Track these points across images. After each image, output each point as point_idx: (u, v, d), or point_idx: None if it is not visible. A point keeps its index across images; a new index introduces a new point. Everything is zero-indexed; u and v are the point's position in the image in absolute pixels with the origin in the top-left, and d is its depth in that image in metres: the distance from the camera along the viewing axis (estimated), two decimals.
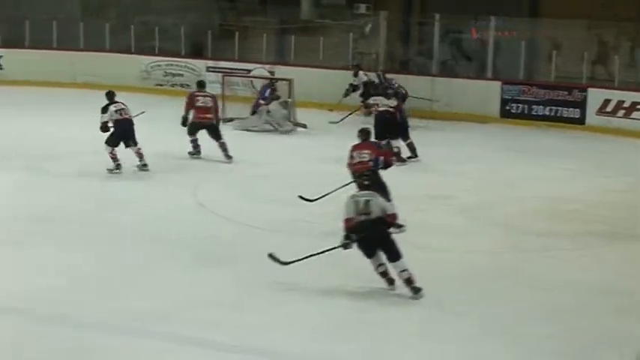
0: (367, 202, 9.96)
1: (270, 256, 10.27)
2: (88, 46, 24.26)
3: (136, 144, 15.09)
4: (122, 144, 15.09)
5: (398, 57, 23.37)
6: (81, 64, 23.36)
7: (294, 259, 10.21)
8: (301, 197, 12.69)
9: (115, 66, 23.31)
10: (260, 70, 22.19)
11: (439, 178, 15.67)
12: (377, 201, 10.02)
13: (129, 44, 24.12)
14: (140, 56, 23.86)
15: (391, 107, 16.49)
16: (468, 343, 8.92)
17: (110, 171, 14.93)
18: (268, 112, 19.06)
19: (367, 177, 10.87)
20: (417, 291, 9.87)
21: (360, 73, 21.04)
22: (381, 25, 22.41)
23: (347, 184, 12.11)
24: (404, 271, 9.84)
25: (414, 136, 16.90)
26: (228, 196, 14.14)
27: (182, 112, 16.38)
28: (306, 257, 10.22)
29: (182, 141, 16.73)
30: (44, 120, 19.22)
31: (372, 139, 13.70)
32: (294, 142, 18.42)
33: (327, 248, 10.17)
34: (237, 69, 22.27)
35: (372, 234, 9.88)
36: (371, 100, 17.51)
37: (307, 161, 16.62)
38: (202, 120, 16.22)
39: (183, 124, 16.29)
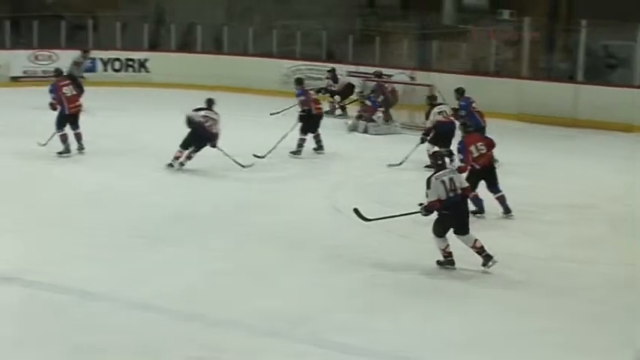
0: (452, 179, 10.66)
1: (355, 211, 11.27)
2: (231, 49, 24.67)
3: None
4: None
5: (541, 63, 22.87)
6: (224, 68, 23.72)
7: (376, 218, 11.20)
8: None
9: (257, 70, 23.63)
10: (401, 75, 22.09)
11: (579, 187, 15.30)
12: (458, 177, 10.82)
13: (271, 48, 24.40)
14: (281, 60, 24.09)
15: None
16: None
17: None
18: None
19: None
20: (489, 259, 10.53)
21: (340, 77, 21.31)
22: (525, 30, 21.98)
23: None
24: (477, 240, 10.60)
25: (554, 145, 16.54)
26: (363, 201, 14.03)
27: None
28: (387, 217, 11.18)
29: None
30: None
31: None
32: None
33: (409, 212, 10.89)
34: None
35: (463, 208, 10.75)
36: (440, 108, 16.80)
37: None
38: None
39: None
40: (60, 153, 15.80)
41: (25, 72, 23.98)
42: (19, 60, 23.95)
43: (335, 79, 21.38)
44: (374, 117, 19.26)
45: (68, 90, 16.13)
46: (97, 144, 16.73)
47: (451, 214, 10.65)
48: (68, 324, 9.16)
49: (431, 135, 15.92)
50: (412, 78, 21.76)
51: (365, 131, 19.20)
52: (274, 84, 23.57)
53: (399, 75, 22.11)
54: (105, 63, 24.65)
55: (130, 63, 24.62)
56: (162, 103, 21.50)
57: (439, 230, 10.72)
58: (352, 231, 12.42)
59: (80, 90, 17.71)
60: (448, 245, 10.71)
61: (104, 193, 13.86)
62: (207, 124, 15.15)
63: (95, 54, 24.17)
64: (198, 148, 15.26)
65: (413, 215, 11.09)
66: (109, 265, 10.80)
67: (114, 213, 12.82)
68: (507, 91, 21.30)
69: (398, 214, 11.23)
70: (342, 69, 23.04)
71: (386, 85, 20.06)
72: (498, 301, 10.09)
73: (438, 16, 23.78)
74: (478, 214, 12.91)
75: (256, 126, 19.31)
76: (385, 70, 22.32)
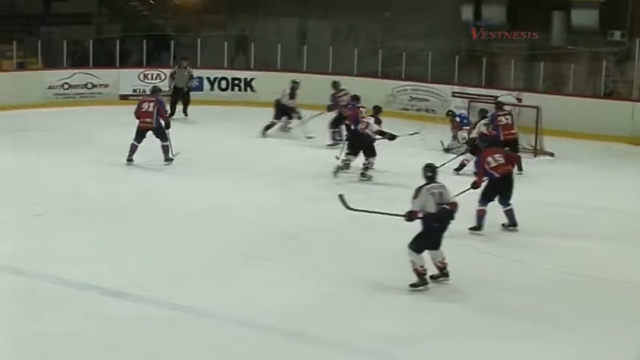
0: (441, 193, 10.81)
1: (340, 197, 11.45)
2: (336, 69, 24.71)
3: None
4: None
5: None
6: (330, 88, 23.74)
7: (359, 209, 11.36)
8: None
9: (362, 90, 23.52)
10: (507, 96, 21.77)
11: None
12: (447, 191, 10.92)
13: (376, 68, 24.35)
14: (386, 80, 24.00)
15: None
16: None
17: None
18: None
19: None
20: (445, 275, 10.89)
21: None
22: (637, 52, 21.44)
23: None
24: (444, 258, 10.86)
25: None
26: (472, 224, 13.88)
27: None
28: (370, 212, 11.32)
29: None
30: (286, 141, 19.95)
31: None
32: (540, 170, 17.86)
33: (393, 213, 10.98)
34: (483, 95, 21.95)
35: (448, 223, 10.84)
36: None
37: (550, 189, 16.28)
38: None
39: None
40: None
41: (134, 90, 24.43)
42: (128, 78, 24.41)
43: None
44: (459, 134, 18.78)
45: (146, 106, 17.00)
46: (206, 160, 16.96)
47: (441, 227, 10.79)
48: (171, 340, 9.23)
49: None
50: (519, 100, 21.41)
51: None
52: (379, 104, 23.43)
53: (505, 96, 21.78)
54: (212, 82, 24.91)
55: (237, 82, 24.83)
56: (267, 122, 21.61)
57: (421, 245, 10.75)
58: (459, 253, 12.24)
59: (166, 109, 18.12)
60: (424, 263, 10.76)
61: (215, 210, 13.94)
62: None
63: (202, 73, 24.49)
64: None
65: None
66: (217, 282, 10.84)
67: (223, 230, 12.87)
68: (618, 113, 20.78)
69: (381, 211, 11.31)
70: (447, 89, 22.89)
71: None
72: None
73: (546, 36, 23.36)
74: (476, 231, 13.02)
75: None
76: (491, 92, 22.08)
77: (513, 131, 17.38)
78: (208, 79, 24.82)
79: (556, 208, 14.75)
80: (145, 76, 24.55)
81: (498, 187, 13.16)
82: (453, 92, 22.83)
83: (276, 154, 18.36)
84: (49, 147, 18.26)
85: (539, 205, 14.90)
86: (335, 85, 20.47)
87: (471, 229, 12.99)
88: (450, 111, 20.06)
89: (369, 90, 23.52)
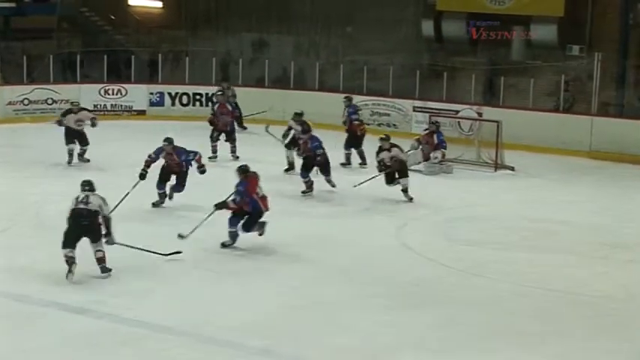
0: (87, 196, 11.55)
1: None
2: (297, 84, 24.75)
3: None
4: None
5: (612, 100, 22.50)
6: (290, 102, 23.78)
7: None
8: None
9: (323, 104, 23.63)
10: (468, 111, 21.93)
11: None
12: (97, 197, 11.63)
13: (337, 83, 24.42)
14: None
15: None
16: None
17: None
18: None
19: None
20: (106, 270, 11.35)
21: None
22: (595, 66, 21.67)
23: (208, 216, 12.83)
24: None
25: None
26: (432, 238, 13.98)
27: None
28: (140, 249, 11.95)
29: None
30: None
31: None
32: (500, 184, 18.02)
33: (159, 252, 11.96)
34: (444, 109, 22.10)
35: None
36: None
37: (511, 204, 16.43)
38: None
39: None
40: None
41: (95, 106, 24.27)
42: (89, 94, 24.26)
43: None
44: (432, 154, 18.72)
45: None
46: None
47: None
48: (133, 357, 9.24)
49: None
50: (479, 114, 21.57)
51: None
52: (339, 119, 23.51)
53: (466, 110, 21.95)
54: (173, 97, 24.85)
55: (198, 97, 24.82)
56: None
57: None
58: (422, 269, 12.33)
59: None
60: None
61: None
62: None
63: (163, 88, 24.44)
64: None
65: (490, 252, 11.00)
66: (180, 298, 10.81)
67: (189, 245, 12.66)
68: (578, 128, 20.99)
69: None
70: (408, 104, 22.99)
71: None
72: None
73: (507, 51, 23.55)
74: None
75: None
76: (452, 106, 22.22)
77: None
78: (169, 94, 24.76)
79: (516, 222, 14.94)
80: (106, 92, 24.43)
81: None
82: (414, 107, 22.94)
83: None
84: (7, 163, 18.13)
85: (500, 220, 15.07)
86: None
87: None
88: (436, 122, 19.60)
89: (331, 104, 23.66)
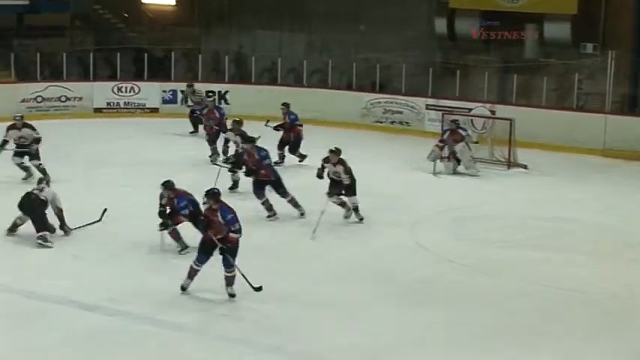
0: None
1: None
2: (311, 82, 24.74)
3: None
4: None
5: (626, 98, 22.40)
6: (303, 100, 23.75)
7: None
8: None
9: (336, 102, 23.64)
10: (481, 109, 21.87)
11: None
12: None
13: (350, 81, 24.40)
14: (361, 93, 24.04)
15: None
16: None
17: None
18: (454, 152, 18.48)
19: None
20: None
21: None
22: (609, 64, 21.57)
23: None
24: None
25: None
26: (442, 236, 13.95)
27: None
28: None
29: (399, 179, 16.95)
30: None
31: None
32: (512, 183, 17.96)
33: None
34: (457, 107, 22.04)
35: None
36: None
37: (521, 202, 16.34)
38: None
39: None
40: None
41: (108, 103, 24.34)
42: (102, 91, 24.33)
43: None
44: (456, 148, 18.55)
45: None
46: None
47: None
48: (145, 354, 9.20)
49: None
50: (492, 112, 21.50)
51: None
52: (354, 116, 23.53)
53: (479, 108, 21.88)
54: (186, 95, 24.83)
55: (210, 95, 24.81)
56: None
57: None
58: (434, 267, 12.34)
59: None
60: None
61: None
62: None
63: (176, 86, 24.45)
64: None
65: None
66: (191, 298, 10.80)
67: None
68: (591, 126, 20.91)
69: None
70: (421, 102, 22.95)
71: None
72: None
73: (520, 49, 23.45)
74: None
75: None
76: (465, 104, 22.15)
77: None
78: (182, 91, 24.74)
79: (524, 220, 14.90)
80: (119, 89, 24.47)
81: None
82: (427, 105, 22.89)
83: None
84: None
85: (508, 218, 15.03)
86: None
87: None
88: (455, 120, 19.18)
89: (344, 103, 23.69)
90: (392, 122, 23.38)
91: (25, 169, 16.47)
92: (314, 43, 26.85)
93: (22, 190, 13.32)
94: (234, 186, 15.92)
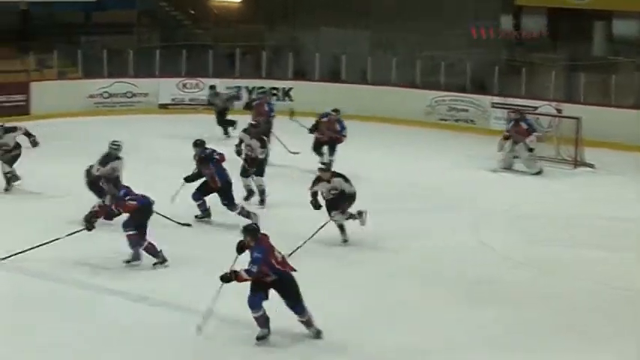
0: None
1: None
2: (374, 80, 24.66)
3: None
4: None
5: None
6: (367, 97, 23.69)
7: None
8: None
9: (401, 100, 23.53)
10: (547, 107, 21.59)
11: None
12: None
13: (414, 79, 24.28)
14: (425, 91, 23.90)
15: None
16: None
17: None
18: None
19: None
20: None
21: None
22: None
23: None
24: None
25: None
26: (505, 235, 13.81)
27: None
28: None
29: (462, 177, 17.04)
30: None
31: None
32: (578, 182, 17.70)
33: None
34: (523, 105, 21.77)
35: None
36: None
37: (585, 201, 16.06)
38: None
39: None
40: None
41: (173, 99, 24.55)
42: (167, 88, 24.54)
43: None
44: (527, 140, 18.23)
45: None
46: None
47: None
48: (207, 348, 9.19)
49: None
50: (559, 110, 21.22)
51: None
52: (418, 114, 23.41)
53: (545, 107, 21.61)
54: (250, 91, 24.93)
55: (274, 92, 24.87)
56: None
57: None
58: (498, 267, 12.22)
59: None
60: None
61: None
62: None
63: (240, 83, 24.53)
64: None
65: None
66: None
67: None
68: None
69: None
70: (486, 100, 22.73)
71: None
72: None
73: (588, 47, 23.12)
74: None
75: (403, 155, 19.32)
76: (531, 102, 21.88)
77: None
78: (247, 88, 24.84)
79: (588, 220, 14.66)
80: (185, 86, 24.67)
81: None
82: (493, 103, 22.67)
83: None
84: (91, 156, 18.29)
85: (572, 217, 14.83)
86: None
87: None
88: (517, 110, 19.16)
89: (408, 101, 23.57)
90: (456, 120, 23.22)
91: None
92: (378, 40, 26.75)
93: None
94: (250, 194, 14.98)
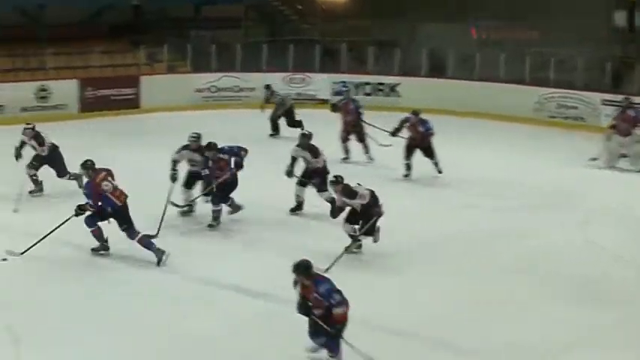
0: None
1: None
2: (482, 76, 24.37)
3: None
4: None
5: None
6: (474, 94, 23.41)
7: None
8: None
9: (509, 96, 23.19)
10: None
11: None
12: None
13: (523, 75, 23.88)
14: (534, 87, 23.49)
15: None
16: None
17: None
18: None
19: None
20: None
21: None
22: None
23: None
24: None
25: None
26: (616, 234, 13.48)
27: None
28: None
29: (570, 174, 16.80)
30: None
31: None
32: None
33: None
34: (636, 103, 21.15)
35: None
36: None
37: None
38: None
39: None
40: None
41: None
42: (274, 82, 24.68)
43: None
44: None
45: None
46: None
47: None
48: None
49: None
50: None
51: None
52: (527, 111, 23.04)
53: None
54: (356, 87, 24.91)
55: (380, 87, 24.78)
56: None
57: None
58: (608, 266, 11.96)
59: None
60: None
61: None
62: None
63: (346, 78, 24.54)
64: None
65: None
66: (361, 287, 10.77)
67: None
68: None
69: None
70: (596, 97, 22.20)
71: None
72: None
73: None
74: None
75: (512, 153, 19.10)
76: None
77: None
78: (353, 83, 24.83)
79: None
80: (291, 80, 24.80)
81: None
82: (603, 100, 22.15)
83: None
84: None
85: None
86: None
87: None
88: (627, 97, 18.52)
89: (517, 97, 23.21)
90: (566, 117, 22.77)
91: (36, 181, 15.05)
92: (486, 35, 26.44)
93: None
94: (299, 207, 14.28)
